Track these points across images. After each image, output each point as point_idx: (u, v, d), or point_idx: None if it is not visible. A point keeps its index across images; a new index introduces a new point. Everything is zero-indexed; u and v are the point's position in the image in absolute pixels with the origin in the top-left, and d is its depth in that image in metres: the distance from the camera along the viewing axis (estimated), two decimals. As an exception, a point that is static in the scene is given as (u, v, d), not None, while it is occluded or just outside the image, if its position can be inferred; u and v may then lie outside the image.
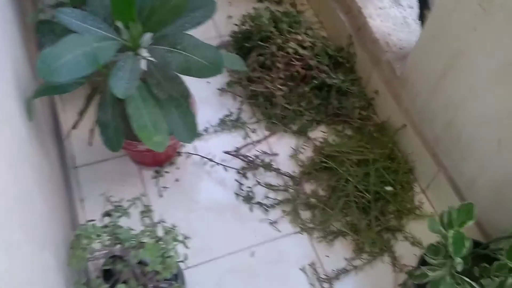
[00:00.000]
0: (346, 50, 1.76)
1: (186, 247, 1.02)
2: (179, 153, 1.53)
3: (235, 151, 1.55)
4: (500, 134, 1.19)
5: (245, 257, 1.37)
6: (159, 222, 1.03)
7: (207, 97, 1.69)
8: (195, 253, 1.31)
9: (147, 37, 1.14)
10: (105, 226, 1.06)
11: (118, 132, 1.12)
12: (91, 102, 1.24)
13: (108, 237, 1.03)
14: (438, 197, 1.47)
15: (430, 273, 1.04)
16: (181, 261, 1.05)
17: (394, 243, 1.42)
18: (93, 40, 1.03)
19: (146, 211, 1.04)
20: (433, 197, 1.49)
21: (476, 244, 1.14)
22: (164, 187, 1.46)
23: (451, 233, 0.99)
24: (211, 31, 1.88)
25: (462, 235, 0.98)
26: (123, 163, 1.49)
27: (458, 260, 0.97)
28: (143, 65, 1.16)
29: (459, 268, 0.99)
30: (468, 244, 0.98)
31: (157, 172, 1.49)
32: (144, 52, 1.14)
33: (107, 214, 1.06)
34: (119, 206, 1.04)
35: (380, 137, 1.58)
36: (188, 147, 1.54)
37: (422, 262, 1.16)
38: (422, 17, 1.56)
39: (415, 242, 1.42)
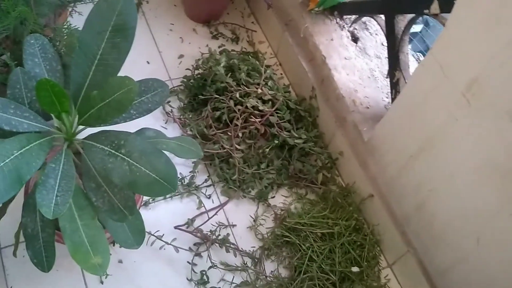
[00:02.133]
0: (308, 102, 1.62)
1: None
2: (123, 230, 1.34)
3: (186, 223, 1.39)
4: (479, 231, 1.10)
5: None
6: None
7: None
8: None
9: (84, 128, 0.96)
10: None
11: (49, 246, 0.93)
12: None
13: None
14: (405, 275, 1.38)
15: None
16: None
17: (360, 330, 1.32)
18: (15, 146, 0.83)
19: None
20: (400, 275, 1.40)
21: None
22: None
23: None
24: (161, 74, 1.68)
25: None
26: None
27: None
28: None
29: None
30: None
31: (97, 253, 1.30)
32: (81, 145, 0.95)
33: None
34: None
35: (345, 204, 1.47)
36: (133, 220, 1.36)
37: None
38: (392, 77, 1.44)
39: (382, 328, 1.32)
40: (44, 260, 0.92)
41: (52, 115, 0.93)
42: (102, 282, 1.27)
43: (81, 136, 0.96)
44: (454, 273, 1.20)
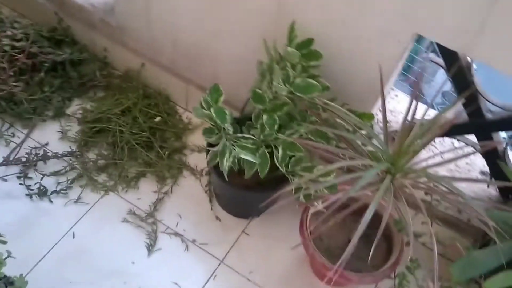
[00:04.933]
0: (59, 28, 1.80)
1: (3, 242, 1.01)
2: None
3: (4, 160, 1.50)
4: (215, 25, 1.42)
5: (69, 240, 1.39)
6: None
7: None
8: (21, 263, 1.26)
9: None
10: None
11: None
12: None
13: None
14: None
15: (214, 149, 1.24)
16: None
17: (186, 159, 1.60)
18: None
19: None
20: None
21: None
22: None
23: (212, 110, 1.20)
24: None
25: (220, 108, 1.20)
26: None
27: (227, 125, 1.19)
28: None
29: (231, 131, 1.21)
30: (228, 112, 1.21)
31: None
32: None
33: None
34: None
35: (130, 84, 1.72)
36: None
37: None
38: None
39: (200, 149, 1.63)
40: None
41: None
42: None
43: None
44: (220, 72, 1.54)
